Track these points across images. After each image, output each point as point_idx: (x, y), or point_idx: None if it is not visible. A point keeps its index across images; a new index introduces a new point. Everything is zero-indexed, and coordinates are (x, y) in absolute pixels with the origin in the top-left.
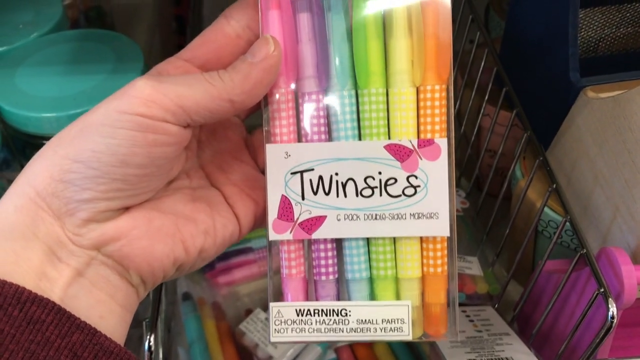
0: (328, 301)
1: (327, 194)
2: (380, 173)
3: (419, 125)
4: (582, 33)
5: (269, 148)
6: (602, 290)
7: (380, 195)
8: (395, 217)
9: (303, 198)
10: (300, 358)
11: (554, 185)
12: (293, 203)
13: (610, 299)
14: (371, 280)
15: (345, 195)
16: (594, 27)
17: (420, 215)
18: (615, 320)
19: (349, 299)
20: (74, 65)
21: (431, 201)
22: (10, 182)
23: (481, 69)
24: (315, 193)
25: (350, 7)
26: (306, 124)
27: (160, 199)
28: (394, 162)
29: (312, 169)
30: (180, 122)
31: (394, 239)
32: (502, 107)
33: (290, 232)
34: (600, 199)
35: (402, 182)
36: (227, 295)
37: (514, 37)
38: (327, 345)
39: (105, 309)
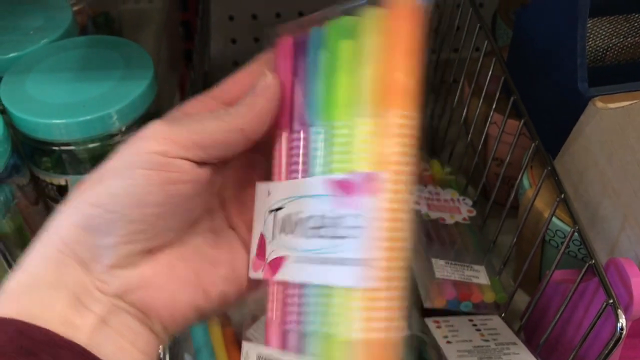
0: (282, 352)
1: (287, 233)
2: (329, 210)
3: (374, 156)
4: (590, 42)
5: (258, 186)
6: (611, 301)
7: (326, 236)
8: (334, 262)
9: (273, 237)
10: None
11: (562, 195)
12: (267, 242)
13: (619, 310)
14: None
15: (301, 235)
16: (602, 37)
17: (349, 261)
18: (624, 332)
19: (304, 354)
20: (83, 72)
21: (363, 246)
22: (20, 187)
23: (489, 77)
24: (280, 232)
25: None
26: (284, 162)
27: (183, 245)
28: (341, 198)
29: (283, 207)
30: (194, 157)
31: (338, 290)
32: (510, 116)
33: (262, 271)
34: (609, 209)
35: (346, 221)
36: None
37: (521, 46)
38: None
39: (127, 356)
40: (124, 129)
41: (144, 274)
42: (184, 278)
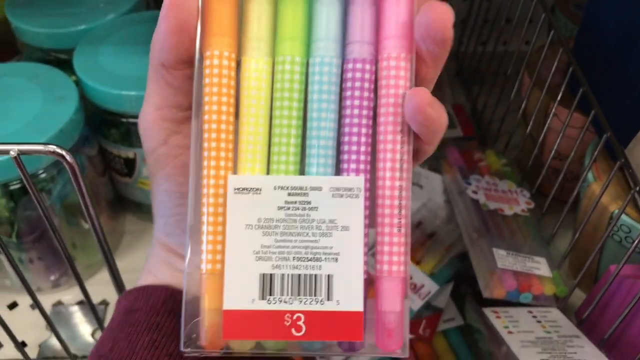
0: None
1: None
2: None
3: None
4: None
5: None
6: None
7: None
8: None
9: None
10: None
11: (638, 188)
12: None
13: None
14: None
15: None
16: None
17: None
18: None
19: None
20: None
21: None
22: (89, 157)
23: (553, 68)
24: None
25: None
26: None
27: None
28: None
29: None
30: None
31: None
32: (573, 108)
33: None
34: None
35: None
36: None
37: (590, 38)
38: None
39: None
40: None
41: None
42: None
